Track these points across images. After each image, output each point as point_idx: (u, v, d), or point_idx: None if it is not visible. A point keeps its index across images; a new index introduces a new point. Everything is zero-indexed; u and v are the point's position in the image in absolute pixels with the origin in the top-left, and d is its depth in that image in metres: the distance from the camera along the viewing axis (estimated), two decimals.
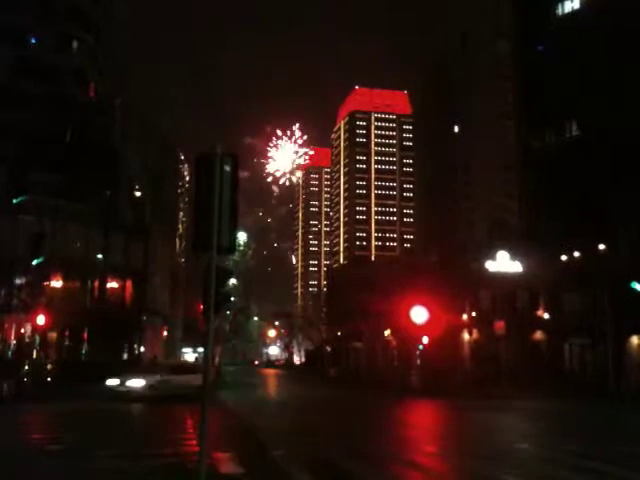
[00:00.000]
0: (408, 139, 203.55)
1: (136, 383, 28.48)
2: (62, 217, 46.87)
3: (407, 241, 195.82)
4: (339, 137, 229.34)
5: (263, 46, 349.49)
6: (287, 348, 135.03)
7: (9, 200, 46.53)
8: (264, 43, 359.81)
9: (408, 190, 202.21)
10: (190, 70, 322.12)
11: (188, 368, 32.50)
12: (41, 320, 38.65)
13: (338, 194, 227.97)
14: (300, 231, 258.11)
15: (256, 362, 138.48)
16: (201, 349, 64.17)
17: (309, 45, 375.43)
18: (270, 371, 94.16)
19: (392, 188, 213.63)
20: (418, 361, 42.79)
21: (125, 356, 51.87)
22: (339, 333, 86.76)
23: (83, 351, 48.54)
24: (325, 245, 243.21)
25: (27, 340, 44.89)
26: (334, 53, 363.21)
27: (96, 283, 51.03)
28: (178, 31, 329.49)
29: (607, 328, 42.23)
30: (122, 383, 28.56)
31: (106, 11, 66.06)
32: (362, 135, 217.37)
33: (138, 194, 60.52)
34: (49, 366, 39.55)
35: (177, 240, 77.04)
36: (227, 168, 9.56)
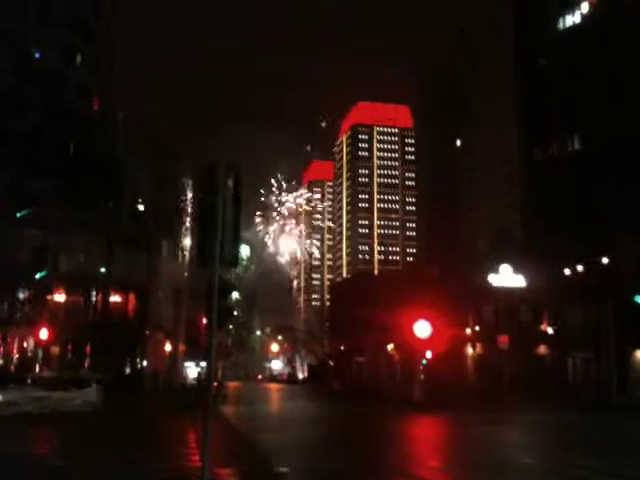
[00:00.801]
0: (410, 152, 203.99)
1: None
2: (65, 230, 46.94)
3: (410, 255, 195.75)
4: (341, 150, 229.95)
5: (263, 54, 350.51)
6: (290, 363, 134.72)
7: (13, 213, 46.67)
8: (264, 52, 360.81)
9: (410, 204, 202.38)
10: (193, 83, 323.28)
11: (76, 382, 29.38)
12: (44, 334, 38.66)
13: (341, 208, 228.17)
14: (303, 245, 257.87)
15: (259, 377, 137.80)
16: (204, 363, 63.97)
17: (310, 57, 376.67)
18: (273, 386, 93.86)
19: (395, 202, 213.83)
20: (422, 375, 42.62)
21: (128, 370, 51.75)
22: (342, 347, 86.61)
23: (85, 365, 48.41)
24: (328, 259, 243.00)
25: (30, 354, 44.89)
26: (335, 65, 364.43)
27: (99, 297, 51.00)
28: (178, 42, 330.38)
29: (610, 341, 42.09)
30: None
31: (108, 23, 66.43)
32: (364, 149, 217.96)
33: (141, 207, 60.68)
34: None
35: (180, 253, 77.08)
36: (230, 182, 9.60)
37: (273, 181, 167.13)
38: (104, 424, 24.30)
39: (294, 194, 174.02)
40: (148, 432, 22.83)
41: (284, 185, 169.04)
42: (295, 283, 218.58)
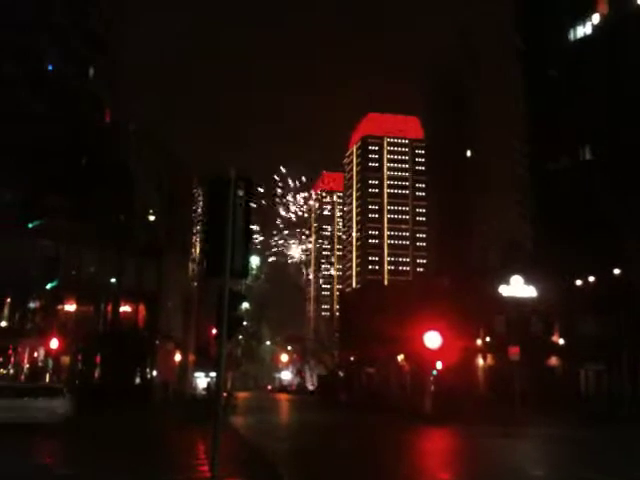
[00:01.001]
0: (420, 164, 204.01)
1: None
2: (76, 240, 47.11)
3: (420, 265, 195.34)
4: (351, 161, 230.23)
5: (262, 57, 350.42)
6: (299, 373, 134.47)
7: (24, 223, 46.88)
8: (264, 55, 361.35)
9: (421, 214, 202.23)
10: (194, 90, 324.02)
11: (42, 391, 27.92)
12: (54, 344, 38.72)
13: (350, 218, 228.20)
14: (313, 255, 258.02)
15: (269, 387, 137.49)
16: (213, 374, 63.88)
17: (321, 70, 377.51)
18: (283, 396, 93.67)
19: (405, 212, 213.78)
20: (432, 386, 42.39)
21: (138, 380, 51.76)
22: (352, 358, 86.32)
23: (96, 375, 48.45)
24: (338, 269, 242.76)
25: (40, 364, 44.96)
26: (346, 78, 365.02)
27: (109, 307, 51.10)
28: (178, 46, 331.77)
29: (623, 353, 41.73)
30: None
31: (121, 36, 66.84)
32: (374, 160, 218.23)
33: (152, 217, 60.88)
34: None
35: (190, 264, 77.32)
36: (240, 192, 9.61)
37: (278, 180, 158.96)
38: (72, 437, 23.66)
39: (303, 195, 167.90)
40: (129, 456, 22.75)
41: (291, 184, 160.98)
42: (305, 276, 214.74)
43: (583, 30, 62.82)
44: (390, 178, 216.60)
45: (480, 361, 59.19)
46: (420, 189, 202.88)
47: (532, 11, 68.32)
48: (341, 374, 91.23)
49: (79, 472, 15.21)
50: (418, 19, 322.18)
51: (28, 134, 53.31)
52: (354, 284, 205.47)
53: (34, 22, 57.61)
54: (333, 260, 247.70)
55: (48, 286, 44.86)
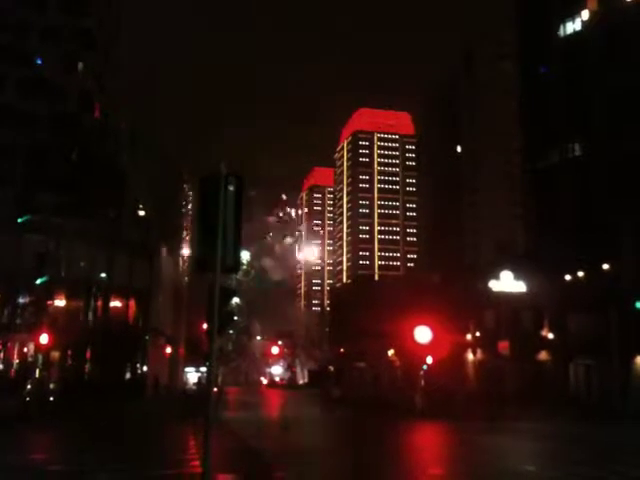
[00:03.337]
0: (411, 159, 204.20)
1: None
2: (67, 236, 46.95)
3: (410, 260, 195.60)
4: (342, 157, 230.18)
5: (262, 66, 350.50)
6: (290, 368, 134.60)
7: (15, 219, 46.66)
8: (263, 64, 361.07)
9: (411, 210, 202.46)
10: (192, 89, 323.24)
11: None
12: (44, 339, 38.53)
13: (341, 213, 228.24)
14: (303, 250, 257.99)
15: (264, 381, 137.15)
16: (204, 368, 63.81)
17: (311, 68, 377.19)
18: (273, 391, 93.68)
19: (395, 207, 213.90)
20: (422, 381, 42.50)
21: (128, 375, 51.69)
22: (342, 353, 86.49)
23: (86, 370, 48.34)
24: (328, 264, 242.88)
25: (30, 359, 44.80)
26: (337, 73, 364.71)
27: (100, 302, 50.97)
28: (179, 52, 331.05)
29: (613, 348, 41.96)
30: None
31: (112, 33, 66.65)
32: (365, 155, 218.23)
33: (143, 213, 60.70)
34: (52, 385, 39.43)
35: (180, 259, 77.22)
36: (231, 188, 9.60)
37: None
38: None
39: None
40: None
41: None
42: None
43: (572, 27, 62.92)
44: (380, 173, 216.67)
45: (470, 356, 59.41)
46: (410, 184, 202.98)
47: (526, 9, 68.44)
48: (331, 369, 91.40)
49: (70, 468, 15.18)
50: (415, 18, 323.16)
51: (19, 132, 53.08)
52: (345, 279, 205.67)
53: (24, 21, 57.35)
54: (324, 255, 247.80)
55: (38, 281, 44.66)
